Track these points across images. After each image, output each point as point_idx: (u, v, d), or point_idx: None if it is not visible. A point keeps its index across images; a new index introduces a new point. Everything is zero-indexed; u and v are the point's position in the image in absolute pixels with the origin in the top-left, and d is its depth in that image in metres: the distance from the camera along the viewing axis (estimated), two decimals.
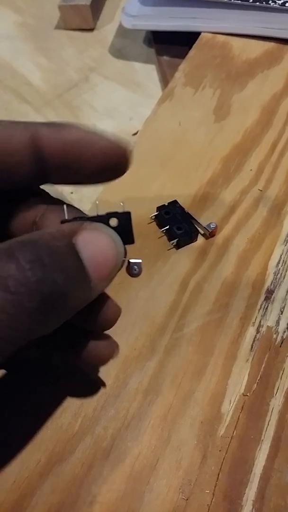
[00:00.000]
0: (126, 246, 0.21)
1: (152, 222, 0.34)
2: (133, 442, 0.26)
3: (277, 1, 0.45)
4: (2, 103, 0.48)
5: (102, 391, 0.28)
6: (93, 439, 0.26)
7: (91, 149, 0.21)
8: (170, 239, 0.33)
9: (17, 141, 0.21)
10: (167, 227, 0.33)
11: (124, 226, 0.21)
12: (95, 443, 0.26)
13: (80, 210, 0.23)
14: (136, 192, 0.36)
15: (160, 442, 0.26)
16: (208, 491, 0.25)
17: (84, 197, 0.38)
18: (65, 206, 0.22)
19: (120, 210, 0.21)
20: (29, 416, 0.27)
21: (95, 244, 0.20)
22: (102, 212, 0.21)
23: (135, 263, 0.25)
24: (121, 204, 0.22)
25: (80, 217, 0.21)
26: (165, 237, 0.34)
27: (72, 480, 0.25)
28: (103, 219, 0.21)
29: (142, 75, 0.50)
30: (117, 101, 0.47)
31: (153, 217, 0.34)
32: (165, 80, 0.48)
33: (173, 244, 0.33)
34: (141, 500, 0.24)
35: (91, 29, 0.56)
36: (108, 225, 0.21)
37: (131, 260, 0.24)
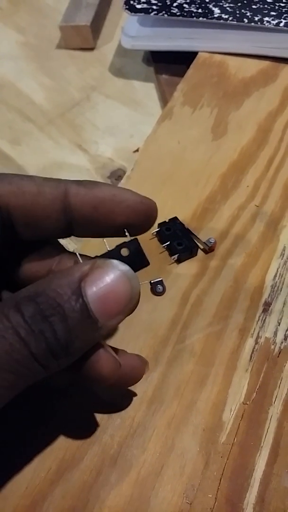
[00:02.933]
0: (143, 268, 0.23)
1: (153, 238, 0.36)
2: (139, 450, 0.27)
3: (271, 22, 0.47)
4: (6, 121, 0.49)
5: (108, 401, 0.29)
6: (100, 447, 0.27)
7: (120, 206, 0.23)
8: (171, 254, 0.35)
9: (48, 197, 0.23)
10: (168, 242, 0.35)
11: (135, 252, 0.22)
12: (102, 451, 0.27)
13: (92, 257, 0.24)
14: None
15: (164, 449, 0.27)
16: (210, 496, 0.26)
17: None
18: (78, 254, 0.24)
19: (127, 239, 0.23)
20: (41, 426, 0.28)
21: (104, 283, 0.20)
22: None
23: (157, 283, 0.26)
24: (125, 231, 0.23)
25: (94, 258, 0.22)
26: (166, 253, 0.35)
27: (82, 486, 0.26)
28: (115, 252, 0.22)
29: (141, 94, 0.52)
30: (118, 119, 0.49)
31: (155, 233, 0.36)
32: (164, 98, 0.50)
33: (174, 259, 0.35)
34: (147, 505, 0.26)
35: (91, 48, 0.57)
36: (121, 256, 0.22)
37: (153, 281, 0.25)
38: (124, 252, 0.22)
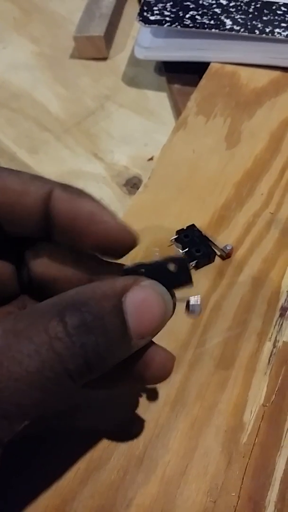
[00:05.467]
0: (186, 287, 0.23)
1: (171, 245, 0.37)
2: (163, 450, 0.28)
3: (282, 33, 0.48)
4: (23, 131, 0.51)
5: (133, 404, 0.30)
6: (126, 448, 0.29)
7: (95, 227, 0.22)
8: (189, 261, 0.36)
9: (32, 196, 0.22)
10: (187, 249, 0.36)
11: (182, 270, 0.22)
12: (128, 451, 0.28)
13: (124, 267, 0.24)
14: (156, 216, 0.38)
15: (188, 450, 0.28)
16: (233, 494, 0.27)
17: None
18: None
19: (177, 255, 0.23)
20: (69, 428, 0.29)
21: (143, 303, 0.20)
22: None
23: (194, 305, 0.25)
24: (156, 253, 0.23)
25: (140, 265, 0.22)
26: None
27: (110, 486, 0.27)
28: (162, 264, 0.22)
29: (154, 103, 0.53)
30: (132, 128, 0.50)
31: (173, 240, 0.37)
32: (176, 107, 0.51)
33: (192, 265, 0.36)
34: (173, 503, 0.27)
35: (104, 58, 0.58)
36: (167, 269, 0.22)
37: (191, 300, 0.25)
38: (171, 266, 0.22)
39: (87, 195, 0.23)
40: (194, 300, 0.27)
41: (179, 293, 0.23)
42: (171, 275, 0.22)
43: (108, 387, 0.25)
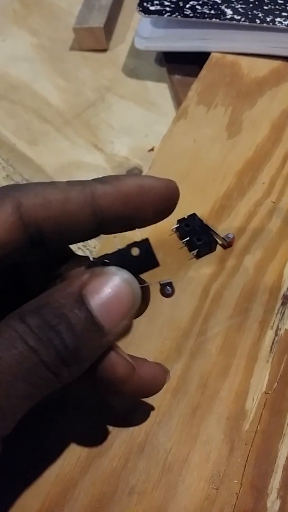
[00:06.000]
0: (153, 268, 0.23)
1: (173, 234, 0.37)
2: (165, 438, 0.28)
3: (283, 22, 0.48)
4: (24, 123, 0.50)
5: None
6: (128, 435, 0.28)
7: (148, 197, 0.23)
8: (190, 250, 0.36)
9: (76, 202, 0.22)
10: (188, 238, 0.36)
11: (146, 252, 0.22)
12: (130, 439, 0.28)
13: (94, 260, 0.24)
14: None
15: (189, 437, 0.28)
16: (236, 481, 0.27)
17: None
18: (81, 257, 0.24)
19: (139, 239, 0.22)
20: (70, 416, 0.29)
21: (105, 290, 0.21)
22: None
23: (166, 284, 0.26)
24: (137, 232, 0.23)
25: (103, 255, 0.22)
26: (185, 248, 0.36)
27: (111, 473, 0.27)
28: (125, 252, 0.22)
29: (155, 94, 0.52)
30: (133, 119, 0.50)
31: (174, 230, 0.37)
32: (177, 98, 0.51)
33: (194, 254, 0.36)
34: (175, 490, 0.27)
35: (104, 50, 0.58)
36: (131, 255, 0.22)
37: (161, 282, 0.25)
38: (135, 251, 0.22)
39: (123, 176, 0.24)
40: (165, 282, 0.27)
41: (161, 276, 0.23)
42: (136, 259, 0.22)
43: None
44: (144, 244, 0.22)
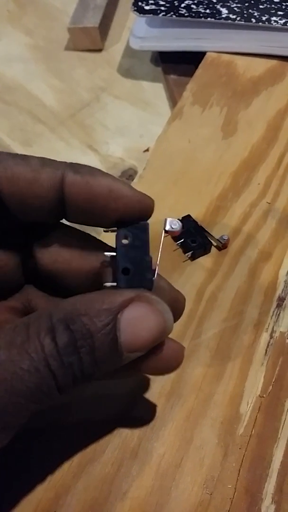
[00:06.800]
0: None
1: (167, 235, 0.36)
2: (159, 442, 0.28)
3: (279, 21, 0.48)
4: (18, 123, 0.50)
5: (127, 395, 0.30)
6: (121, 440, 0.28)
7: (115, 203, 0.22)
8: (185, 252, 0.35)
9: (44, 184, 0.22)
10: (182, 240, 0.35)
11: (141, 270, 0.23)
12: (123, 444, 0.28)
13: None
14: None
15: (183, 442, 0.28)
16: (230, 486, 0.27)
17: None
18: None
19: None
20: (62, 421, 0.29)
21: (139, 320, 0.20)
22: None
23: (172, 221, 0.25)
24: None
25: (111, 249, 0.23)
26: (180, 250, 0.36)
27: (104, 478, 0.27)
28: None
29: (150, 94, 0.52)
30: (128, 119, 0.50)
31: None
32: (172, 98, 0.50)
33: (188, 256, 0.35)
34: (168, 495, 0.26)
35: (99, 50, 0.58)
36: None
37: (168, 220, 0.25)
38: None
39: (99, 172, 0.23)
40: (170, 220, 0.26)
41: None
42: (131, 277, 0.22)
43: (114, 378, 0.25)
44: (140, 263, 0.23)
